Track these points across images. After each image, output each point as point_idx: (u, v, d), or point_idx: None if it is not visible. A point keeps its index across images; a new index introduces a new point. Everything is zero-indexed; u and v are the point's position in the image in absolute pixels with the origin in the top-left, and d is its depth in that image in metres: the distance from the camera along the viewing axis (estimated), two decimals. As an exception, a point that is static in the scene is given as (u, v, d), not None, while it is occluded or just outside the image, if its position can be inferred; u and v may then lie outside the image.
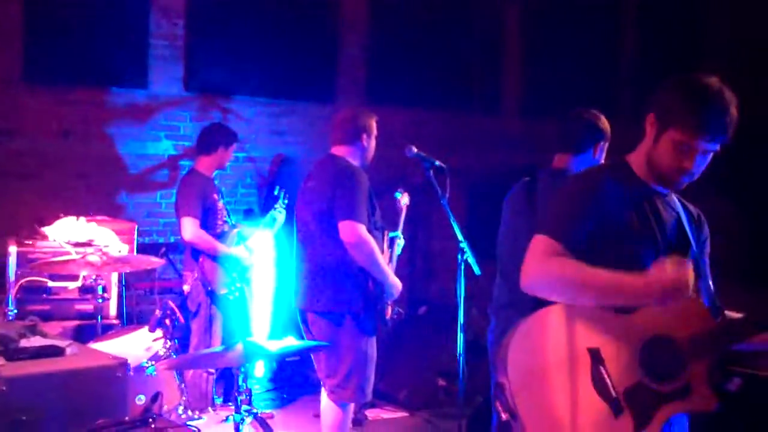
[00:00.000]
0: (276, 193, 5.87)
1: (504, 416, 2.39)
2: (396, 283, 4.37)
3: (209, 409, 4.02)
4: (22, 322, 3.54)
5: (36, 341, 2.30)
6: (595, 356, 2.38)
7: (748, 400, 3.78)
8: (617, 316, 2.43)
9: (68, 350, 2.22)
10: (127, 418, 2.40)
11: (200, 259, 5.32)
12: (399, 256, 4.86)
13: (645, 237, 2.53)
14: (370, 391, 4.40)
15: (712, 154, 2.47)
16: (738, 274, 2.82)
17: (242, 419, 3.42)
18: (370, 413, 5.92)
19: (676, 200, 2.67)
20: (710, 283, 2.66)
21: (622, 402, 2.37)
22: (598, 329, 2.40)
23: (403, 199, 4.88)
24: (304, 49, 7.13)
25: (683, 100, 2.43)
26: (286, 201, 5.77)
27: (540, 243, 2.49)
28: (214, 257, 5.34)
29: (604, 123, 3.81)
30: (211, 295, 5.34)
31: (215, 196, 5.48)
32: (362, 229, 4.17)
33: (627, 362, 2.40)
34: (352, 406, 4.48)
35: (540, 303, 2.50)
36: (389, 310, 4.49)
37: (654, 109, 2.52)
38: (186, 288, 5.36)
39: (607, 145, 3.81)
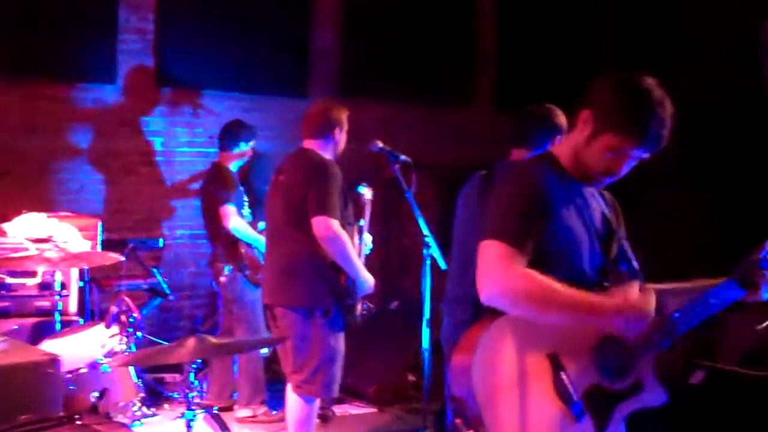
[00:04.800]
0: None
1: None
2: (368, 278, 4.36)
3: (165, 405, 3.96)
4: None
5: (-34, 336, 2.23)
6: (555, 362, 2.34)
7: (710, 392, 3.80)
8: None
9: (-1, 346, 2.16)
10: (61, 414, 2.32)
11: (241, 248, 5.45)
12: (370, 250, 4.81)
13: (583, 234, 2.48)
14: (336, 386, 4.38)
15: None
16: (709, 265, 2.80)
17: (194, 416, 3.36)
18: (338, 409, 5.85)
19: (593, 189, 2.62)
20: (635, 264, 2.63)
21: (584, 406, 2.35)
22: (555, 334, 2.36)
23: (367, 194, 4.83)
24: (276, 43, 7.05)
25: (625, 107, 2.34)
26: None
27: (493, 250, 2.31)
28: (249, 244, 5.51)
29: (560, 117, 3.79)
30: (248, 281, 5.45)
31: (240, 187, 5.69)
32: (335, 224, 4.16)
33: (584, 365, 2.38)
34: (318, 402, 4.45)
35: None
36: (359, 306, 4.45)
37: (592, 107, 2.41)
38: (222, 279, 5.48)
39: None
